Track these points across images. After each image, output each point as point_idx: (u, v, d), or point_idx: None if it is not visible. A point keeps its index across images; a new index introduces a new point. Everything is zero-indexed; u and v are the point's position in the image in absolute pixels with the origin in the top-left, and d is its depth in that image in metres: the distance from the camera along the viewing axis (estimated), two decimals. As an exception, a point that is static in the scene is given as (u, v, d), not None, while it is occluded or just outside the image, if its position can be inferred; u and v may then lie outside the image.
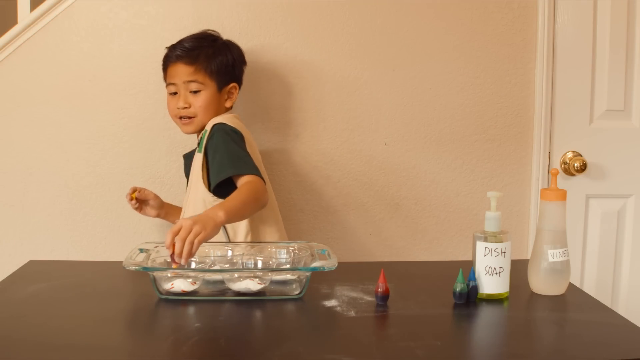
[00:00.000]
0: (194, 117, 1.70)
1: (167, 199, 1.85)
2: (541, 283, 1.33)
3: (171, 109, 1.73)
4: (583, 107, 2.03)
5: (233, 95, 1.75)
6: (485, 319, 1.23)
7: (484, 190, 2.00)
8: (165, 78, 1.76)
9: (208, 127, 1.66)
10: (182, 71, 1.69)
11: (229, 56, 1.75)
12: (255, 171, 1.54)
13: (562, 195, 1.33)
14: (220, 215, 1.36)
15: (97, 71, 1.91)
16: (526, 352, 1.08)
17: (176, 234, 1.27)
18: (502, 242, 1.28)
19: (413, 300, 1.27)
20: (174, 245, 1.26)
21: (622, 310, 2.03)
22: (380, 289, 1.24)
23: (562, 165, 2.04)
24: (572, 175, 2.03)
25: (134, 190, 1.75)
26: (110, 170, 1.95)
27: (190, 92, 1.69)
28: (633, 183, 2.07)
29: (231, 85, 1.74)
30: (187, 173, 1.75)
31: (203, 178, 1.60)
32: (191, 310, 1.24)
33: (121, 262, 1.27)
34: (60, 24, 1.89)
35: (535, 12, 1.99)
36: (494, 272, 1.28)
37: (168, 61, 1.73)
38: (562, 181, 2.03)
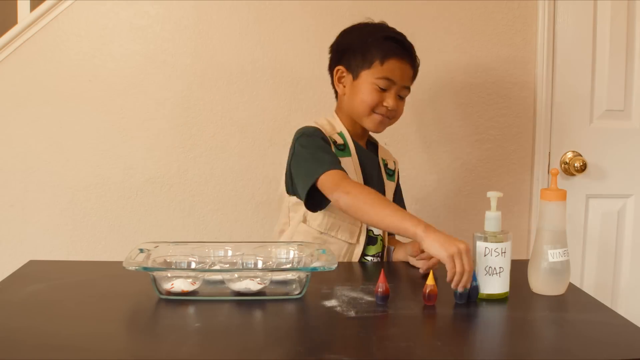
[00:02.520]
0: (392, 119, 1.59)
1: (167, 198, 1.85)
2: (541, 283, 1.33)
3: (372, 102, 1.54)
4: (583, 107, 2.04)
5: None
6: (485, 319, 1.23)
7: (484, 190, 2.00)
8: (368, 66, 1.54)
9: (395, 160, 1.72)
10: (407, 72, 1.56)
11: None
12: None
13: (562, 195, 1.33)
14: None
15: (97, 71, 1.91)
16: (526, 352, 1.08)
17: (458, 258, 1.24)
18: (502, 242, 1.28)
19: (413, 300, 1.27)
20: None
21: (622, 310, 2.02)
22: (380, 289, 1.24)
23: (562, 165, 2.04)
24: (572, 175, 2.03)
25: None
26: (110, 170, 1.95)
27: (399, 95, 1.57)
28: (633, 183, 2.07)
29: None
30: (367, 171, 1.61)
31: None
32: (191, 310, 1.24)
33: (121, 262, 1.27)
34: (60, 24, 1.89)
35: (535, 12, 1.99)
36: (494, 272, 1.28)
37: (394, 53, 1.54)
38: (562, 181, 2.03)
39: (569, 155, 2.04)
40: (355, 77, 1.57)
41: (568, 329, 1.19)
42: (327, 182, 1.42)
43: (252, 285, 1.27)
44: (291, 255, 1.43)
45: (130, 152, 1.95)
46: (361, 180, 1.56)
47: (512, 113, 2.03)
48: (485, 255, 1.28)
